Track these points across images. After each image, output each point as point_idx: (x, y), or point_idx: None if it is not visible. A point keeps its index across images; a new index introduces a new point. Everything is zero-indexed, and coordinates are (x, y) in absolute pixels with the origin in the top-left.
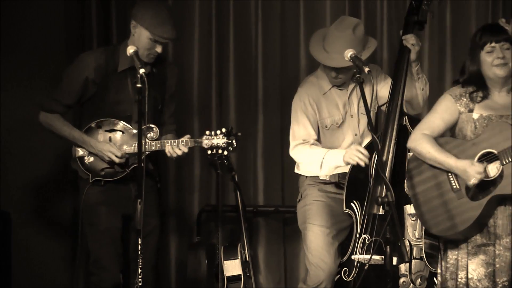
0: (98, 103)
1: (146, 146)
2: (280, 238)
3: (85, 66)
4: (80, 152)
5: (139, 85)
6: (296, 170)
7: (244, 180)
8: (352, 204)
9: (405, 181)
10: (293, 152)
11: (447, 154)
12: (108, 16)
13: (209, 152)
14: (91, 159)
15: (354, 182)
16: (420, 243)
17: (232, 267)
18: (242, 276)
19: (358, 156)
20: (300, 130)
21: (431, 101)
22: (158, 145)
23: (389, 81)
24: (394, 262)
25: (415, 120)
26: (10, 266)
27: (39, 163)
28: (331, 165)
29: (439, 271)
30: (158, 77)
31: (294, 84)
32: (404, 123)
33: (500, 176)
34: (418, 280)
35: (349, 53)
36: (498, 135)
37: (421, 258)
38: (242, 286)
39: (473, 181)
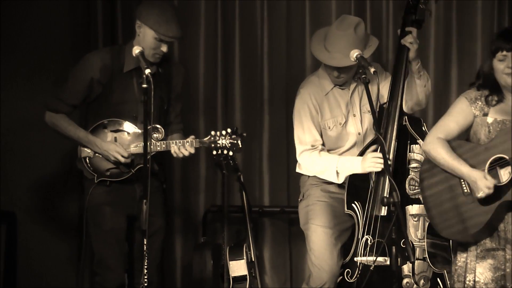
0: (103, 103)
1: (152, 147)
2: (285, 238)
3: (90, 66)
4: (86, 152)
5: (144, 86)
6: (297, 170)
7: (250, 181)
8: (353, 205)
9: (406, 181)
10: (301, 158)
11: (460, 161)
12: (114, 15)
13: (214, 152)
14: (97, 159)
15: (355, 183)
16: (423, 243)
17: (238, 268)
18: (248, 277)
19: (379, 162)
20: (306, 135)
21: (435, 102)
22: (164, 146)
23: (389, 79)
24: (399, 263)
25: (415, 120)
26: (15, 265)
27: (45, 163)
28: (347, 173)
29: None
30: (164, 77)
31: (299, 84)
32: (404, 123)
33: (511, 182)
34: (422, 281)
35: (354, 53)
36: (511, 140)
37: (424, 259)
38: (247, 286)
39: (480, 194)
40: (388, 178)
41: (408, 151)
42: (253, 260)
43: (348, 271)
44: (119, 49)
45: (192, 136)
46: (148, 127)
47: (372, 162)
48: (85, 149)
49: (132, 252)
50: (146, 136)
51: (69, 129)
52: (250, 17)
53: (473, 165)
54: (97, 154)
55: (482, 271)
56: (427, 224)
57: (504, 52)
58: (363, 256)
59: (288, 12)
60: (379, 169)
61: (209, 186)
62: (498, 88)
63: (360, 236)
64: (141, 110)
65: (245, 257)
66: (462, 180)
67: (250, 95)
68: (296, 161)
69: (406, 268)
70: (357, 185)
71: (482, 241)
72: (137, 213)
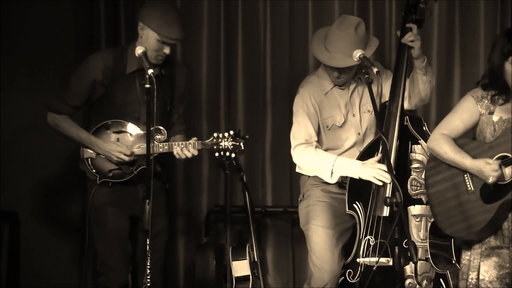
0: (106, 105)
1: (154, 148)
2: (288, 238)
3: (93, 67)
4: (88, 153)
5: (147, 86)
6: (297, 170)
7: (253, 181)
8: (354, 205)
9: (408, 182)
10: (295, 152)
11: (463, 154)
12: (116, 16)
13: (216, 154)
14: (99, 160)
15: (356, 183)
16: (425, 244)
17: (241, 268)
18: (251, 277)
19: (381, 177)
20: (301, 130)
21: (438, 102)
22: (166, 147)
23: (390, 77)
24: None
25: (416, 120)
26: (18, 265)
27: (47, 164)
28: (342, 174)
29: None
30: (167, 78)
31: None
32: (405, 123)
33: None
34: (425, 282)
35: (357, 53)
36: None
37: (426, 259)
38: (250, 286)
39: (491, 179)
40: (391, 178)
41: (409, 151)
42: (256, 260)
43: (349, 271)
44: (122, 50)
45: (195, 138)
46: (151, 128)
47: (373, 173)
48: (88, 150)
49: (135, 252)
50: (149, 136)
51: (71, 130)
52: (252, 18)
53: None
54: (99, 155)
55: (487, 269)
56: (429, 224)
57: None
58: (365, 256)
59: (291, 12)
60: (379, 183)
61: (212, 186)
62: (507, 89)
63: (361, 237)
64: (144, 111)
65: (248, 257)
66: (466, 178)
67: (252, 96)
68: None
69: (409, 269)
70: (358, 185)
71: (486, 239)
72: (140, 214)
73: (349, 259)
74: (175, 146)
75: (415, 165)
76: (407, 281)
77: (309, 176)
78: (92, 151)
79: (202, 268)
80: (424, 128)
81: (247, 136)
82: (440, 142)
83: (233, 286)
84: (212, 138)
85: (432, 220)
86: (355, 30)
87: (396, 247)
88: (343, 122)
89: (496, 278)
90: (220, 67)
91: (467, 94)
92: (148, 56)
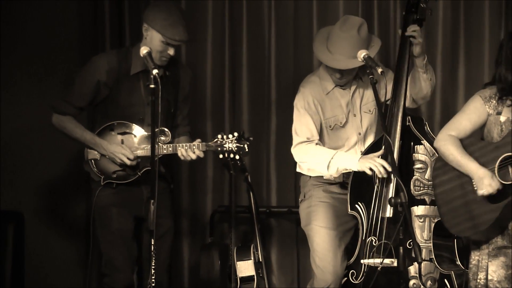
0: (110, 106)
1: (159, 150)
2: (293, 238)
3: (97, 68)
4: (92, 154)
5: (152, 86)
6: (298, 169)
7: (257, 181)
8: (357, 205)
9: (411, 182)
10: (296, 150)
11: (469, 158)
12: (121, 17)
13: (220, 156)
14: (103, 161)
15: (358, 183)
16: (429, 244)
17: (245, 268)
18: (255, 277)
19: (379, 170)
20: (303, 128)
21: (443, 102)
22: (170, 149)
23: (390, 75)
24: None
25: (418, 120)
26: (23, 266)
27: (52, 165)
28: (340, 167)
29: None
30: (171, 80)
31: None
32: (407, 124)
33: None
34: (429, 282)
35: (362, 53)
36: None
37: (430, 260)
38: (255, 287)
39: (483, 192)
40: (396, 178)
41: (412, 152)
42: (260, 260)
43: (353, 272)
44: (126, 51)
45: (199, 140)
46: (156, 129)
47: (369, 165)
48: (92, 151)
49: (141, 253)
50: (153, 137)
51: (76, 131)
52: (257, 18)
53: (483, 163)
54: (103, 156)
55: (495, 269)
56: (433, 225)
57: None
58: (369, 257)
59: (296, 12)
60: (379, 175)
61: (217, 187)
62: None
63: (364, 237)
64: (148, 113)
65: (252, 258)
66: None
67: (257, 96)
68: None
69: (413, 270)
70: (360, 186)
71: (493, 239)
72: (145, 214)
73: (352, 259)
74: (180, 148)
75: (417, 165)
76: (411, 282)
77: (310, 176)
78: (96, 152)
79: (207, 268)
80: (425, 129)
81: (251, 138)
82: (446, 143)
83: (238, 287)
84: (216, 139)
85: (436, 220)
86: (358, 31)
87: (401, 248)
88: (344, 122)
89: (505, 278)
90: (224, 67)
91: (475, 94)
92: (153, 57)
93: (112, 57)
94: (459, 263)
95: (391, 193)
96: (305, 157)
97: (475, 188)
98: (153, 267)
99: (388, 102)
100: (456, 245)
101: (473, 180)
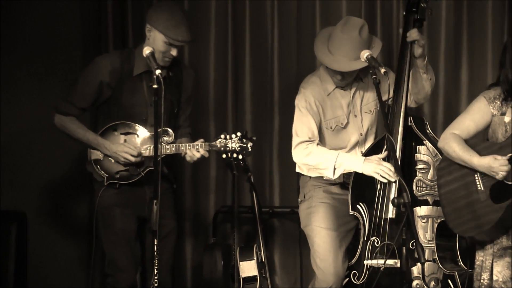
0: (113, 106)
1: (161, 150)
2: (296, 239)
3: (100, 69)
4: (96, 154)
5: (155, 86)
6: (297, 170)
7: (260, 181)
8: (358, 206)
9: (414, 183)
10: (296, 151)
11: (471, 152)
12: (124, 17)
13: (223, 156)
14: (106, 161)
15: (359, 184)
16: (432, 245)
17: (248, 268)
18: (258, 277)
19: (389, 174)
20: (304, 128)
21: (445, 102)
22: (173, 149)
23: (392, 76)
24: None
25: (420, 121)
26: (26, 266)
27: (55, 165)
28: (345, 169)
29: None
30: (174, 80)
31: None
32: (409, 124)
33: None
34: (432, 283)
35: (365, 54)
36: None
37: (434, 260)
38: (258, 287)
39: (501, 174)
40: (399, 178)
41: (414, 152)
42: (263, 260)
43: (354, 272)
44: (129, 52)
45: (201, 140)
46: (158, 130)
47: (377, 170)
48: (95, 151)
49: (144, 254)
50: (156, 137)
51: (78, 131)
52: (260, 19)
53: None
54: (106, 157)
55: (501, 269)
56: (436, 225)
57: None
58: (371, 258)
59: (298, 13)
60: (383, 180)
61: (219, 187)
62: None
63: (366, 238)
64: (151, 113)
65: (255, 258)
66: (476, 178)
67: (260, 97)
68: None
69: (416, 270)
70: (361, 186)
71: (498, 239)
72: (148, 215)
73: (354, 260)
74: (183, 148)
75: (420, 166)
76: (415, 282)
77: (310, 177)
78: (99, 153)
79: (210, 268)
80: (427, 129)
81: (254, 138)
82: (449, 140)
83: (241, 287)
84: (219, 139)
85: (439, 221)
86: (359, 33)
87: (404, 248)
88: (345, 123)
89: (510, 278)
90: (227, 67)
91: (479, 95)
92: (156, 58)
93: (115, 58)
94: (461, 263)
95: (393, 193)
96: (306, 158)
97: (480, 188)
98: (156, 267)
99: (389, 102)
100: (458, 245)
101: (477, 179)
